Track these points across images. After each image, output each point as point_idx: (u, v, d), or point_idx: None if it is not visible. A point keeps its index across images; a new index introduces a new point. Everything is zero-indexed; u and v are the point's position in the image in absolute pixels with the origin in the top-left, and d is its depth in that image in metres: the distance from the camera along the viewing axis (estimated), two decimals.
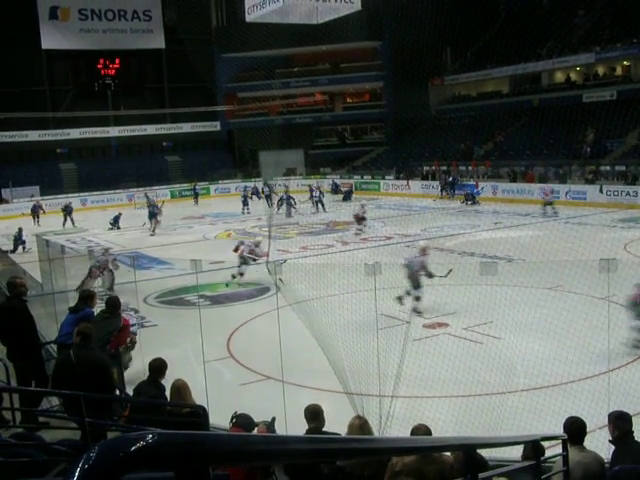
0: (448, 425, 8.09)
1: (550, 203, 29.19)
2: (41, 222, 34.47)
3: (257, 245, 18.79)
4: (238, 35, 40.40)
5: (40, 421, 7.34)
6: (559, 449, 5.13)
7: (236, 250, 18.25)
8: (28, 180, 46.08)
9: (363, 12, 30.48)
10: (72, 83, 53.32)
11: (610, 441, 5.26)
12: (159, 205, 31.44)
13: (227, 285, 17.74)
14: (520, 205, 32.08)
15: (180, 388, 6.63)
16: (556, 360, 9.91)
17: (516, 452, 5.42)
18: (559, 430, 5.36)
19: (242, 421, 6.20)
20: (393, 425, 7.26)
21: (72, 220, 34.83)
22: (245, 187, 41.20)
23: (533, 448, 4.50)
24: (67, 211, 35.15)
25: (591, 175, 33.28)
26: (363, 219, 26.88)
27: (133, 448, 1.19)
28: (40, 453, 5.02)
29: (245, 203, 36.51)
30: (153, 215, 30.25)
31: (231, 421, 6.29)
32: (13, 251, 25.07)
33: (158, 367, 6.89)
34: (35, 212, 35.44)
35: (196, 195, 44.06)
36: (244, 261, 18.06)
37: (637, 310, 11.45)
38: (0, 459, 4.45)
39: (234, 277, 17.91)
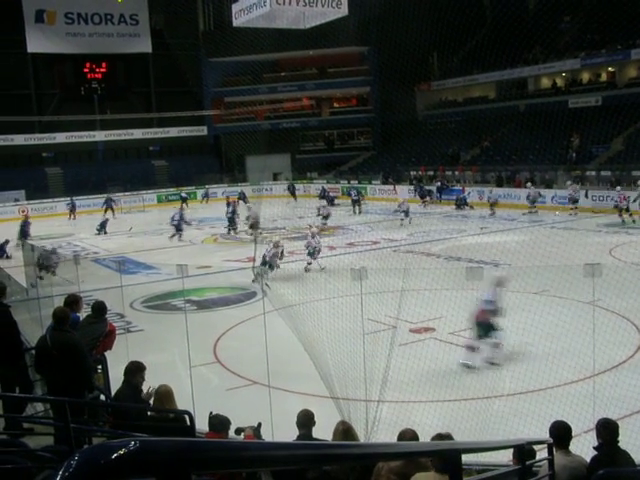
0: (434, 430, 8.05)
1: (626, 209, 26.92)
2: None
3: (277, 246, 18.71)
4: (225, 39, 40.42)
5: (24, 427, 7.30)
6: (545, 453, 5.14)
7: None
8: (13, 184, 45.79)
9: (350, 17, 30.53)
10: (58, 87, 53.04)
11: (594, 447, 5.27)
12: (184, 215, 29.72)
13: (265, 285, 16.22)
14: (506, 210, 32.21)
15: (164, 394, 6.61)
16: (541, 364, 9.94)
17: (502, 457, 5.44)
18: (545, 434, 5.38)
19: (216, 422, 6.21)
20: (380, 430, 7.26)
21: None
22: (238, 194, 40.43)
23: (519, 452, 4.51)
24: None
25: (576, 181, 33.31)
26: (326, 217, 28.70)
27: (114, 455, 1.18)
28: (24, 460, 4.98)
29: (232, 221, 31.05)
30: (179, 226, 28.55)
31: (209, 421, 6.30)
32: None
33: (131, 369, 6.91)
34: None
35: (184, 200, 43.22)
36: (270, 265, 17.72)
37: (478, 330, 11.22)
38: None
39: (256, 279, 16.62)
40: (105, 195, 42.22)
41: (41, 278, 16.63)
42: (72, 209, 40.57)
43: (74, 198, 40.99)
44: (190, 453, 1.30)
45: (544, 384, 9.51)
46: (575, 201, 30.22)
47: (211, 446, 1.45)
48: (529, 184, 32.95)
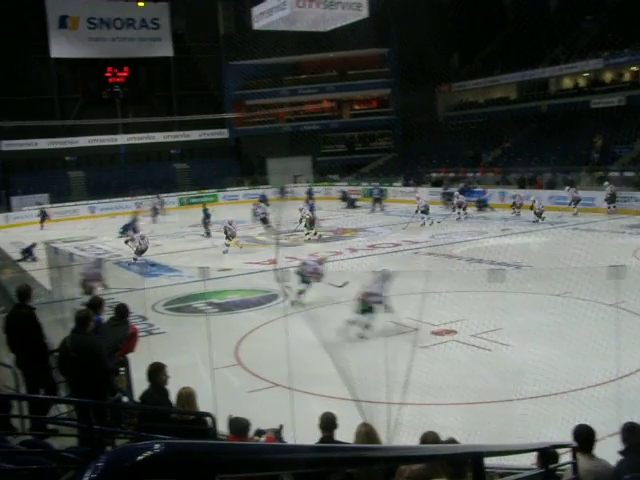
0: (456, 432, 8.04)
1: None
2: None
3: (321, 263, 16.50)
4: (246, 43, 40.56)
5: (49, 428, 7.36)
6: (568, 457, 5.10)
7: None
8: (37, 188, 46.29)
9: (370, 19, 30.57)
10: (81, 91, 53.53)
11: (619, 452, 5.22)
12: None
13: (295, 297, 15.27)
14: (529, 212, 31.97)
15: (186, 396, 6.63)
16: (565, 367, 9.86)
17: (525, 460, 5.40)
18: (568, 438, 5.33)
19: (235, 425, 6.21)
20: (401, 432, 7.24)
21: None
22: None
23: (542, 456, 4.48)
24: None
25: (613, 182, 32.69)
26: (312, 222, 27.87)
27: (140, 458, 1.20)
28: (49, 460, 5.03)
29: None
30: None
31: (229, 425, 6.30)
32: (22, 260, 25.14)
33: (154, 370, 6.93)
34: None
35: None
36: (304, 280, 15.82)
37: (361, 306, 12.62)
38: (10, 466, 4.46)
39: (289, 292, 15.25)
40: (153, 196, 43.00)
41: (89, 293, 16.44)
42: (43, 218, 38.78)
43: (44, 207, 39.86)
44: (215, 456, 1.31)
45: (567, 387, 9.43)
46: (612, 201, 30.01)
47: (235, 449, 1.46)
48: (567, 187, 32.38)
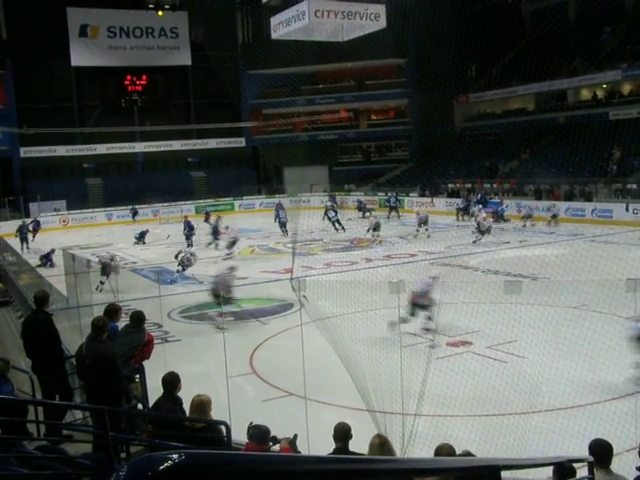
0: (471, 445, 8.00)
1: None
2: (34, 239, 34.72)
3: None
4: (264, 52, 40.72)
5: (64, 434, 7.39)
6: (585, 472, 5.05)
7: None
8: (55, 194, 46.67)
9: (388, 29, 30.63)
10: (100, 99, 54.00)
11: (637, 468, 5.16)
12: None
13: None
14: (545, 223, 31.83)
15: (201, 404, 6.63)
16: (581, 380, 9.79)
17: (540, 475, 5.35)
18: (584, 452, 5.28)
19: (257, 433, 6.20)
20: (416, 444, 7.21)
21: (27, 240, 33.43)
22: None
23: (559, 470, 4.44)
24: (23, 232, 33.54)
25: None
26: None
27: (161, 467, 1.20)
28: (64, 466, 5.05)
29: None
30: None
31: (248, 432, 6.28)
32: (41, 265, 25.34)
33: (170, 381, 6.93)
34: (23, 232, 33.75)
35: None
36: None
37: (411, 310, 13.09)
38: (25, 471, 4.49)
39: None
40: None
41: (102, 283, 18.46)
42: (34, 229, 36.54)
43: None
44: (235, 466, 1.31)
45: (584, 400, 9.36)
46: None
47: (255, 459, 1.46)
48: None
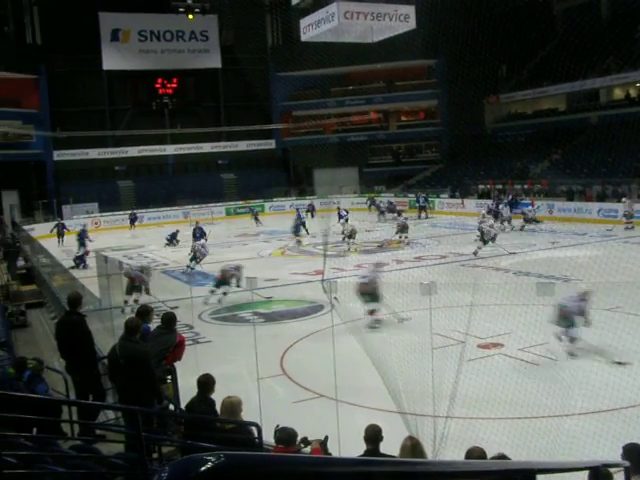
0: (503, 448, 7.91)
1: None
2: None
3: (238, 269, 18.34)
4: (294, 54, 40.87)
5: (97, 434, 7.47)
6: (621, 477, 4.98)
7: None
8: (88, 197, 47.22)
9: (418, 30, 30.51)
10: (131, 102, 54.52)
11: None
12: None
13: None
14: (577, 224, 31.50)
15: (231, 405, 6.65)
16: (615, 383, 9.66)
17: (575, 478, 5.29)
18: (618, 457, 5.21)
19: (283, 436, 6.19)
20: (447, 446, 7.17)
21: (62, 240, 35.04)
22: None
23: (594, 475, 4.38)
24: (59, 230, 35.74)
25: None
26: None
27: (202, 469, 1.21)
28: (97, 465, 5.10)
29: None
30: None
31: (275, 435, 6.28)
32: (74, 267, 25.64)
33: (206, 383, 6.98)
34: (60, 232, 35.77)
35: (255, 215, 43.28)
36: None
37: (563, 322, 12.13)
38: (62, 470, 4.54)
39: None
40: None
41: (125, 302, 16.65)
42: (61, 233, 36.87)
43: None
44: (273, 467, 1.32)
45: (618, 404, 9.24)
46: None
47: (292, 461, 1.46)
48: (624, 199, 31.78)
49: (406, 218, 31.11)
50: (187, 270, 23.00)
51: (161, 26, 53.48)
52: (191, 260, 23.34)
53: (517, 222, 31.98)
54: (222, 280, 18.03)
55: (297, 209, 38.22)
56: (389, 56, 43.90)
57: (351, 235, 28.18)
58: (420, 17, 30.03)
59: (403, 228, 28.89)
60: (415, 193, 45.35)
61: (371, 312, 14.24)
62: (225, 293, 18.08)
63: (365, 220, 37.60)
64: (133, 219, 42.94)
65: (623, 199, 31.65)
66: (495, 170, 45.71)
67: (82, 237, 29.15)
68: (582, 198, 36.56)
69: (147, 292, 17.47)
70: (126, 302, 16.69)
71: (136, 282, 17.45)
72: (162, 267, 25.36)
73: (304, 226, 32.91)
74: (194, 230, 30.27)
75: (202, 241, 26.65)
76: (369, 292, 14.34)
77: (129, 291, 17.22)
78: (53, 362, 10.83)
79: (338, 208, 37.27)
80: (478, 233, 25.85)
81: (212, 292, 18.11)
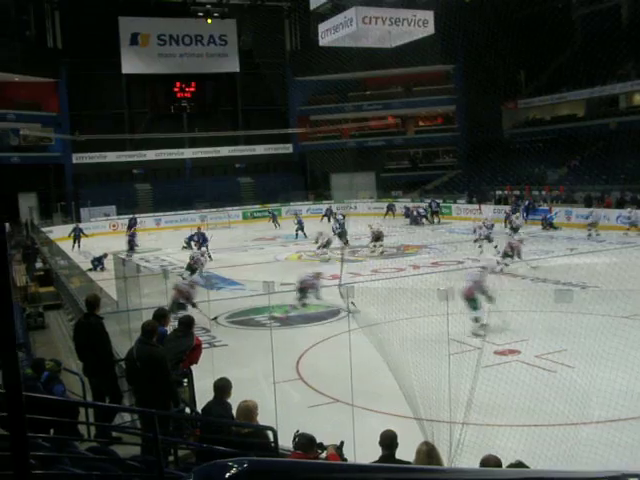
0: (519, 455, 7.86)
1: None
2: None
3: (317, 278, 17.58)
4: (312, 59, 40.86)
5: (113, 436, 7.51)
6: None
7: None
8: (105, 200, 47.49)
9: (436, 35, 30.44)
10: (149, 106, 54.80)
11: None
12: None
13: None
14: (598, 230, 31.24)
15: (247, 409, 6.65)
16: (633, 392, 9.59)
17: None
18: (637, 466, 5.17)
19: (302, 441, 6.18)
20: (463, 453, 7.14)
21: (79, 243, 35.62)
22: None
23: None
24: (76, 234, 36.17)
25: None
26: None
27: (227, 475, 1.22)
28: (114, 467, 5.13)
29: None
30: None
31: (293, 440, 6.28)
32: (92, 269, 25.77)
33: (222, 387, 6.98)
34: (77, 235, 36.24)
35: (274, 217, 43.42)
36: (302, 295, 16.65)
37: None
38: (79, 471, 4.56)
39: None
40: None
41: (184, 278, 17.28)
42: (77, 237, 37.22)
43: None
44: (296, 473, 1.32)
45: (636, 413, 9.16)
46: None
47: (315, 467, 1.47)
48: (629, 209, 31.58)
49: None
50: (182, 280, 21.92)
51: (180, 30, 53.77)
52: (186, 269, 22.47)
53: (534, 228, 31.83)
54: (302, 290, 17.28)
55: (296, 213, 38.42)
56: (407, 61, 43.80)
57: (341, 236, 29.05)
58: (438, 22, 29.98)
59: (378, 237, 28.16)
60: (429, 198, 45.27)
61: (476, 319, 14.00)
62: (305, 305, 17.33)
63: (390, 225, 37.49)
64: (133, 223, 40.57)
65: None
66: (513, 176, 45.48)
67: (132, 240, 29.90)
68: (601, 204, 36.27)
69: (194, 306, 16.68)
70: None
71: (183, 298, 16.15)
72: (180, 270, 25.43)
73: (302, 230, 33.58)
74: (193, 236, 30.30)
75: (203, 249, 26.57)
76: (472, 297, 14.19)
77: (174, 309, 15.34)
78: (70, 364, 10.90)
79: (335, 213, 37.39)
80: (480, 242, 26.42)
81: (293, 306, 17.25)
